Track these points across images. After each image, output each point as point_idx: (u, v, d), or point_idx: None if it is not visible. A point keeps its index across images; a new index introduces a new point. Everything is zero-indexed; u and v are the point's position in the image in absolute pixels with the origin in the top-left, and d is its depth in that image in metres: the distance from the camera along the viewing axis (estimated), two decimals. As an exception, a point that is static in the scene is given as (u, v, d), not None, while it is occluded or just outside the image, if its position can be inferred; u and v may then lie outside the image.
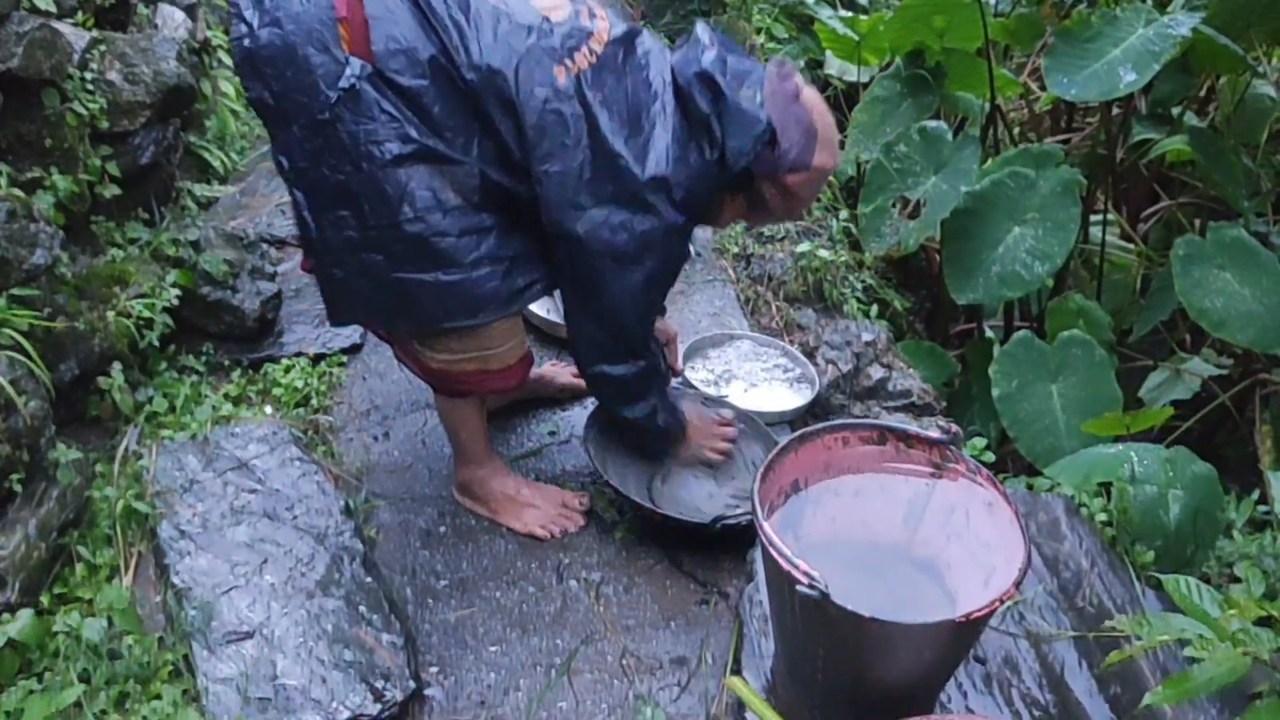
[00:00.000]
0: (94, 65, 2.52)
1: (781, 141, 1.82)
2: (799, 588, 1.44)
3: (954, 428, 1.70)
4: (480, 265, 1.84)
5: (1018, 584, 1.47)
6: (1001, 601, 1.45)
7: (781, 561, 1.48)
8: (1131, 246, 3.76)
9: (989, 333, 3.48)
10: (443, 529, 2.20)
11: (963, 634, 1.54)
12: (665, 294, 2.05)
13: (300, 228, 1.88)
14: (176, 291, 2.45)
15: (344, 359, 2.63)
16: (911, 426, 1.71)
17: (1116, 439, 2.42)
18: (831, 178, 3.46)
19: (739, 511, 2.11)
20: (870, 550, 1.78)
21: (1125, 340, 3.45)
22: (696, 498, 2.24)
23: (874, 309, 2.93)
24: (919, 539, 1.75)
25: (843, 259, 2.97)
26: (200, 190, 3.00)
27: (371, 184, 1.77)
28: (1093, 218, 3.63)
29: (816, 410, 2.45)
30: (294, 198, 1.85)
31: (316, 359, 2.61)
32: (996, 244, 3.01)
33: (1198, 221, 3.57)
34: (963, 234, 3.07)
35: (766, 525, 1.55)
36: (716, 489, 2.26)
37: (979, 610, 1.44)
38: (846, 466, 1.75)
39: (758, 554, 2.02)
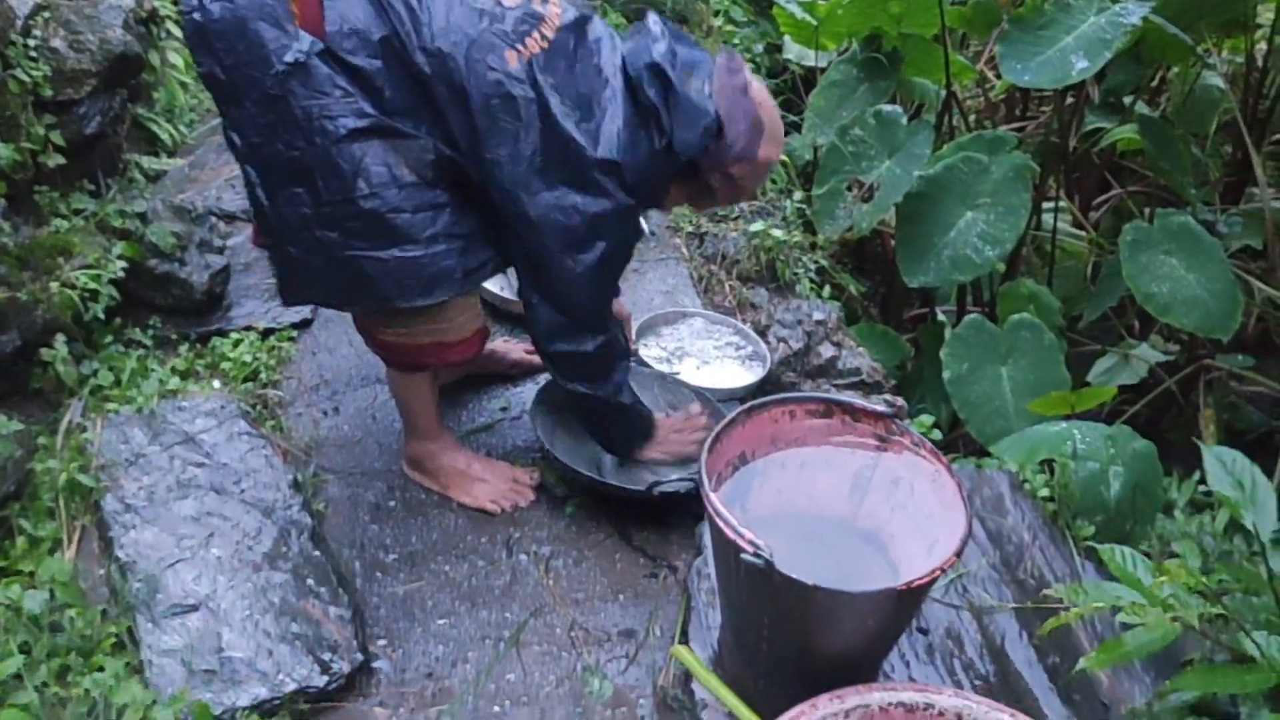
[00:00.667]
0: (38, 32, 2.48)
1: (728, 133, 1.84)
2: (744, 556, 1.46)
3: (899, 402, 1.73)
4: (436, 242, 1.84)
5: (959, 553, 1.49)
6: (943, 570, 1.47)
7: (728, 531, 1.49)
8: (1083, 234, 3.82)
9: (941, 317, 3.52)
10: (392, 503, 2.19)
11: (905, 602, 1.56)
12: (620, 273, 2.06)
13: (254, 205, 1.86)
14: (123, 264, 2.41)
15: (294, 334, 2.61)
16: (858, 400, 1.73)
17: (1062, 418, 2.46)
18: (788, 160, 3.49)
19: (675, 478, 2.11)
20: (816, 522, 1.79)
21: (1075, 326, 3.50)
22: (644, 470, 2.24)
23: (826, 290, 2.94)
24: (864, 511, 1.77)
25: (796, 239, 2.99)
26: (148, 163, 2.95)
27: (325, 159, 1.76)
28: (1045, 205, 3.68)
29: (768, 387, 2.46)
30: (247, 175, 1.84)
31: (266, 333, 2.58)
32: (949, 228, 3.04)
33: (1148, 210, 3.62)
34: (916, 218, 3.10)
35: (713, 496, 1.56)
36: (666, 467, 2.27)
37: (921, 578, 1.46)
38: (794, 439, 1.76)
39: (705, 528, 2.03)
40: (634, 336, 2.51)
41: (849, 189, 3.18)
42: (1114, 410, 3.17)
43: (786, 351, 2.56)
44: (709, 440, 1.64)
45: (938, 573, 1.46)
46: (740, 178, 1.92)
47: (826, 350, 2.56)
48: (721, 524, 1.50)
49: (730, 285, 2.84)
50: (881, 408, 1.71)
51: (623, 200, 1.84)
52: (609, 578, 2.05)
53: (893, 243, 3.34)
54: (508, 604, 1.99)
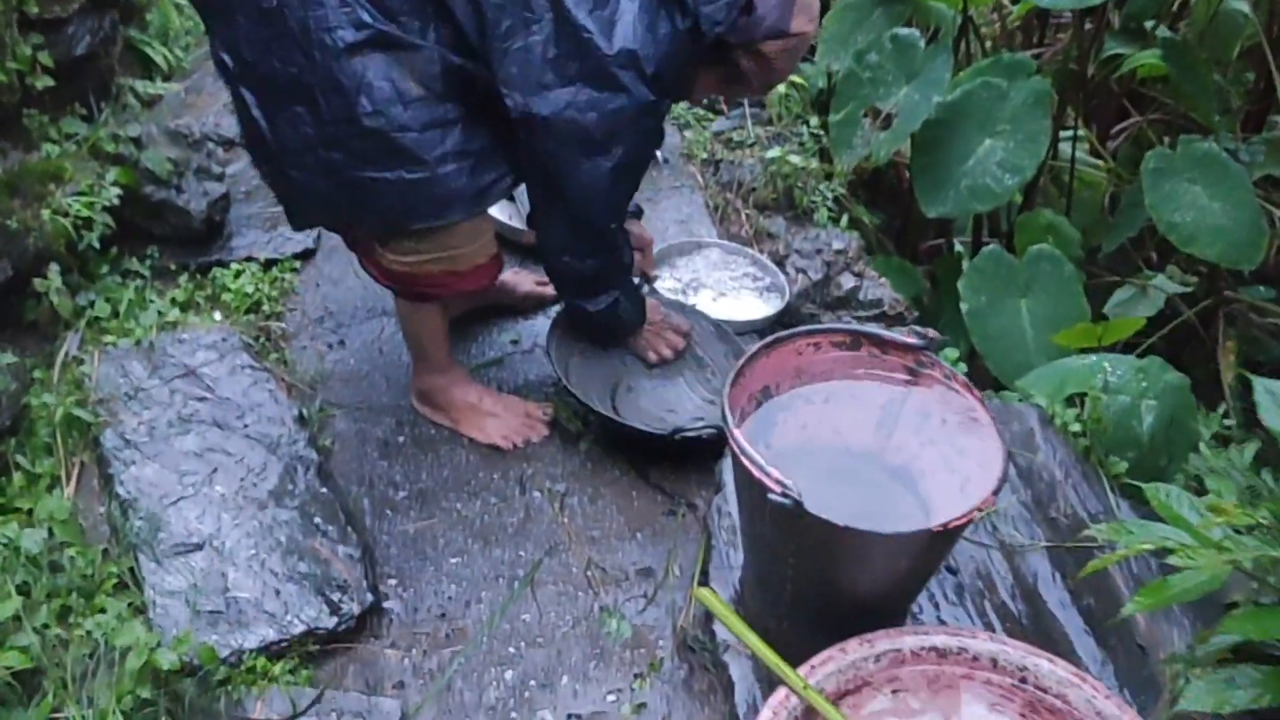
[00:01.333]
0: (22, -55, 2.36)
1: (757, 7, 1.73)
2: (771, 496, 1.39)
3: (931, 333, 1.66)
4: (446, 162, 1.75)
5: (996, 492, 1.43)
6: (980, 510, 1.41)
7: (753, 469, 1.43)
8: (1100, 163, 3.71)
9: (958, 248, 3.43)
10: (401, 439, 2.12)
11: (938, 543, 1.51)
12: (636, 184, 1.95)
13: (248, 131, 1.78)
14: (117, 191, 2.32)
15: (296, 264, 2.53)
16: (886, 332, 1.66)
17: (1087, 350, 2.39)
18: (803, 85, 3.37)
19: (700, 425, 2.05)
20: (842, 457, 1.73)
21: (1093, 258, 3.42)
22: (661, 406, 2.18)
23: (844, 219, 2.85)
24: (892, 446, 1.71)
25: (813, 167, 2.89)
26: (142, 87, 2.84)
27: (326, 75, 1.67)
28: (1062, 134, 3.57)
29: (786, 320, 2.39)
30: (241, 98, 1.75)
31: (268, 264, 2.50)
32: (967, 156, 2.94)
33: (1167, 139, 3.52)
34: (933, 146, 3.00)
35: (737, 433, 1.49)
36: (682, 397, 2.20)
37: (957, 519, 1.40)
38: (819, 372, 1.69)
39: (726, 464, 1.97)
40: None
41: (865, 116, 3.08)
42: (1129, 343, 3.11)
43: (805, 283, 2.48)
44: (731, 374, 1.57)
45: (975, 514, 1.40)
46: (773, 56, 1.81)
47: (847, 281, 2.48)
48: (747, 462, 1.44)
49: (747, 214, 2.75)
50: (912, 339, 1.64)
51: (642, 95, 1.73)
52: (626, 516, 1.99)
53: (907, 174, 3.24)
54: (521, 542, 1.93)
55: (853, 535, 1.41)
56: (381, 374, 2.27)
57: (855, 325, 1.60)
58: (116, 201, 2.31)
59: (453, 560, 1.90)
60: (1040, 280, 2.81)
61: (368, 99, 1.68)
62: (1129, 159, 3.68)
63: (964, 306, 2.75)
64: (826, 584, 1.54)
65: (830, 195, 2.89)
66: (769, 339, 1.63)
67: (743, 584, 1.77)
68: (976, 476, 1.53)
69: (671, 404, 2.18)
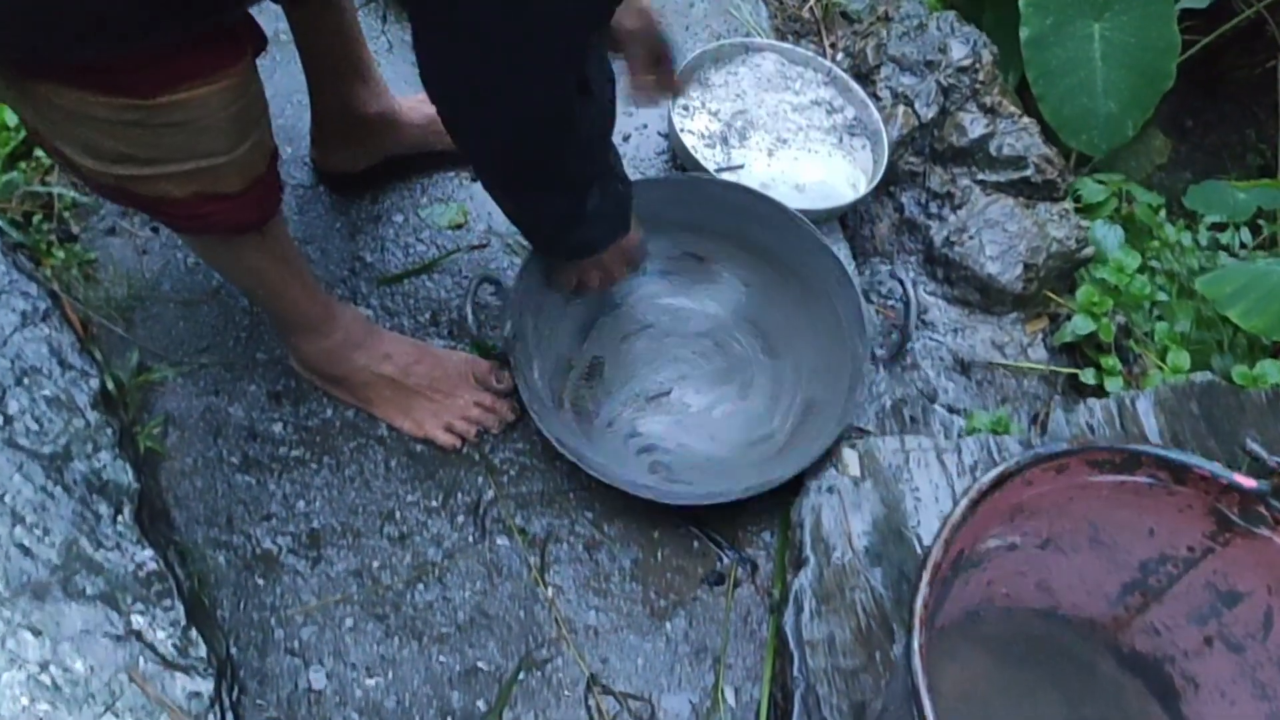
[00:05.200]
0: None
1: None
2: None
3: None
4: None
5: None
6: None
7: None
8: None
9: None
10: (278, 425, 1.31)
11: None
12: (582, 38, 0.97)
13: None
14: None
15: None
16: (1198, 459, 0.86)
17: None
18: None
19: (773, 478, 1.26)
20: (1041, 624, 1.00)
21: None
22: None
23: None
24: (1142, 624, 0.98)
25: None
26: None
27: None
28: None
29: (879, 187, 1.53)
30: None
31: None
32: None
33: None
34: None
35: (919, 671, 0.75)
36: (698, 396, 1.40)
37: None
38: (1047, 506, 0.92)
39: (806, 505, 1.23)
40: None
41: None
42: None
43: (910, 120, 1.59)
44: (923, 579, 0.79)
45: None
46: None
47: (972, 122, 1.59)
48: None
49: (813, -18, 1.78)
50: (1246, 480, 0.86)
51: None
52: (645, 583, 1.25)
53: None
54: (479, 639, 1.20)
55: None
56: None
57: (1142, 446, 0.82)
58: None
59: (369, 682, 1.17)
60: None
61: None
62: None
63: (1024, 32, 1.93)
64: None
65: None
66: (987, 483, 0.83)
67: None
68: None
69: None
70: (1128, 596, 0.96)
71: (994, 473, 0.82)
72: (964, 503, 0.81)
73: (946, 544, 0.78)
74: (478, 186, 1.50)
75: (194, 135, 0.92)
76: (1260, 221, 1.92)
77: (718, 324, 1.44)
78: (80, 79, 0.85)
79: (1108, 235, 1.65)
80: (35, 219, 1.39)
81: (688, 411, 1.38)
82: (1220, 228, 1.87)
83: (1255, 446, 1.10)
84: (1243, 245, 1.87)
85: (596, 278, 1.30)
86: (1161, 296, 1.58)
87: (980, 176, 1.58)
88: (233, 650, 1.16)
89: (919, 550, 1.17)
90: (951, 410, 1.49)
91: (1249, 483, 0.85)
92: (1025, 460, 0.84)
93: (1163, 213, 1.80)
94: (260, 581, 1.21)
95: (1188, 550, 0.91)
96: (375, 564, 1.23)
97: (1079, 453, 0.86)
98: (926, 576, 0.77)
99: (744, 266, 1.44)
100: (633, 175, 1.53)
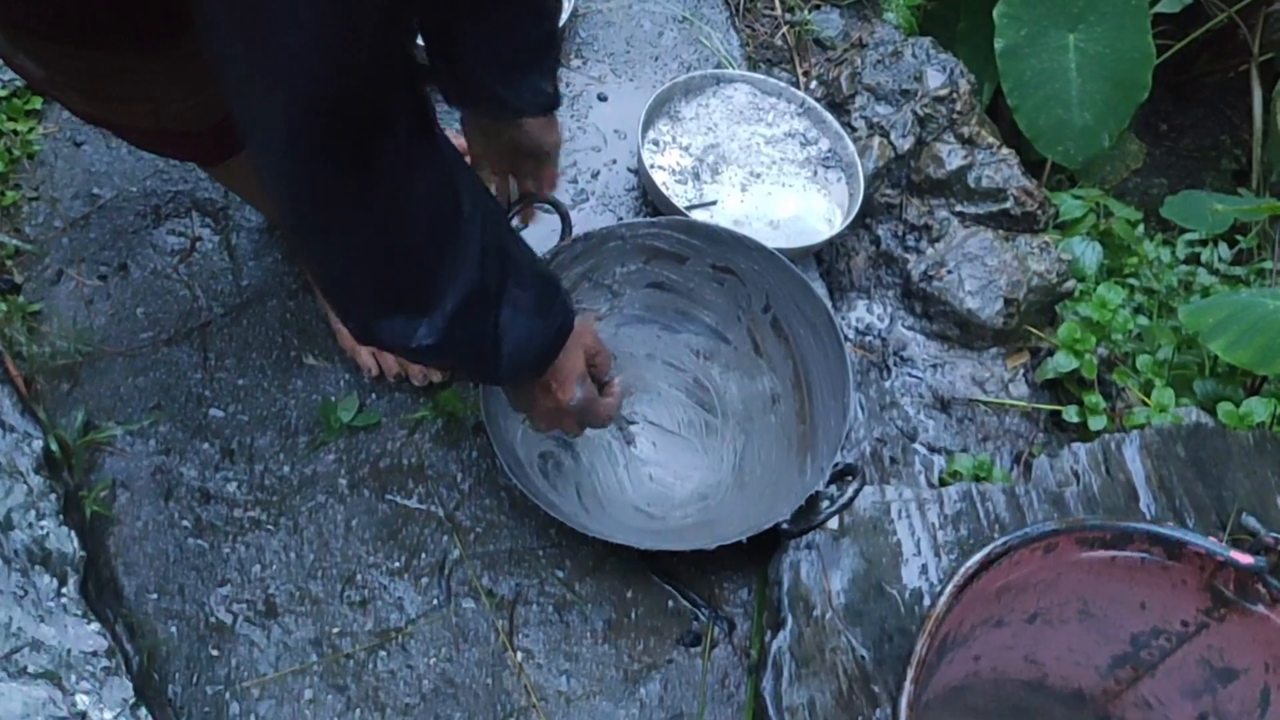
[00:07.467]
0: None
1: None
2: None
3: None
4: None
5: None
6: None
7: None
8: None
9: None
10: (232, 485, 1.25)
11: None
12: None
13: None
14: None
15: (36, 103, 1.49)
16: (1193, 535, 0.82)
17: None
18: None
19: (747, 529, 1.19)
20: (1030, 695, 0.96)
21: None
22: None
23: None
24: (1134, 698, 0.93)
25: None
26: None
27: None
28: None
29: (855, 220, 1.49)
30: None
31: (-13, 98, 1.47)
32: None
33: None
34: None
35: None
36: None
37: None
38: (1036, 583, 0.88)
39: (785, 562, 1.18)
40: (640, 126, 1.47)
41: None
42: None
43: (886, 152, 1.55)
44: (907, 676, 0.74)
45: None
46: None
47: (950, 153, 1.55)
48: None
49: (783, 5, 1.73)
50: (1243, 556, 0.82)
51: None
52: (618, 645, 1.20)
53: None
54: (445, 710, 1.15)
55: None
56: (198, 336, 1.35)
57: (1134, 523, 0.78)
58: None
59: (329, 761, 1.12)
60: (1099, 9, 2.01)
61: None
62: None
63: (999, 43, 1.97)
64: None
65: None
66: (973, 566, 0.79)
67: None
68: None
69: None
70: (1118, 669, 0.92)
71: (979, 556, 0.78)
72: (949, 590, 0.76)
73: (930, 638, 0.74)
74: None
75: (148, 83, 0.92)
76: (1238, 236, 1.90)
77: (699, 371, 1.39)
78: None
79: (1086, 252, 1.63)
80: (-27, 268, 1.33)
81: (660, 460, 1.33)
82: (1199, 242, 1.85)
83: (1251, 520, 1.06)
84: (1221, 260, 1.84)
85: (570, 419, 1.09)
86: (1143, 320, 1.55)
87: (959, 208, 1.54)
88: (184, 733, 1.10)
89: (900, 607, 1.13)
90: (932, 449, 1.45)
91: (1245, 559, 0.81)
92: (1014, 541, 0.80)
93: (1140, 227, 1.77)
94: (214, 653, 1.15)
95: (1181, 625, 0.87)
96: (335, 631, 1.18)
97: (1068, 531, 0.82)
98: (911, 674, 0.73)
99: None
100: (602, 213, 1.50)
